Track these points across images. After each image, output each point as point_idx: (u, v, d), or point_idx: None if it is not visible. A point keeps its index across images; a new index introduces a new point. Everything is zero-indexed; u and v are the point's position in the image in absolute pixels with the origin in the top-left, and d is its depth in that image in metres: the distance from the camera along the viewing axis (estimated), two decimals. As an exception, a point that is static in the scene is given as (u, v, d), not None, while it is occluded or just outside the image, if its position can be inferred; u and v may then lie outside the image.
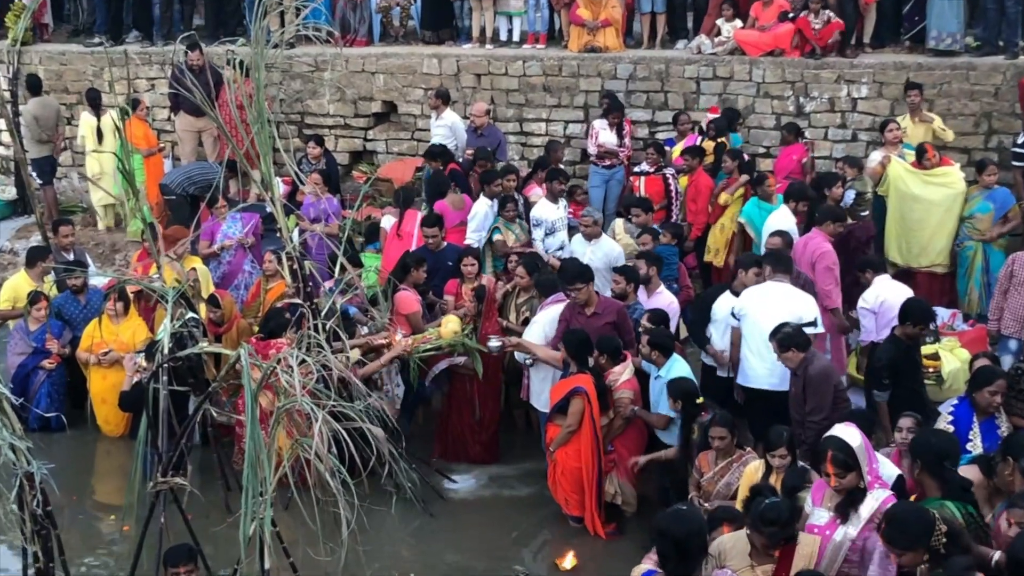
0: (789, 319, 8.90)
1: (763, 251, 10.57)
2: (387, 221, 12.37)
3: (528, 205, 12.46)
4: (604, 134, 13.67)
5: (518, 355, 9.89)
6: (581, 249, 11.15)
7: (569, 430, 8.94)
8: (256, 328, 10.20)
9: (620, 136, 13.73)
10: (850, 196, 11.98)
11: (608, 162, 13.69)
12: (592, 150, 13.77)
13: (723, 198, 12.42)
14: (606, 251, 11.09)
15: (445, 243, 11.35)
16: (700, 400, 8.56)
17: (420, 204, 12.98)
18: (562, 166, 13.69)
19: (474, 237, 11.96)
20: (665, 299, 10.17)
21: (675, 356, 9.07)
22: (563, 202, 12.18)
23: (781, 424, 7.86)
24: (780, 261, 9.56)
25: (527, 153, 15.07)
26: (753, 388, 9.33)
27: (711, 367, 9.86)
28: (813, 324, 9.15)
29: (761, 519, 6.21)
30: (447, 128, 14.01)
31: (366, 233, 12.23)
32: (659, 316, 9.52)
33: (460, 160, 13.52)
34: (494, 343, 9.71)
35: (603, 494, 9.05)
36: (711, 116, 13.85)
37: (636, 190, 13.07)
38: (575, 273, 9.56)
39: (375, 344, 9.74)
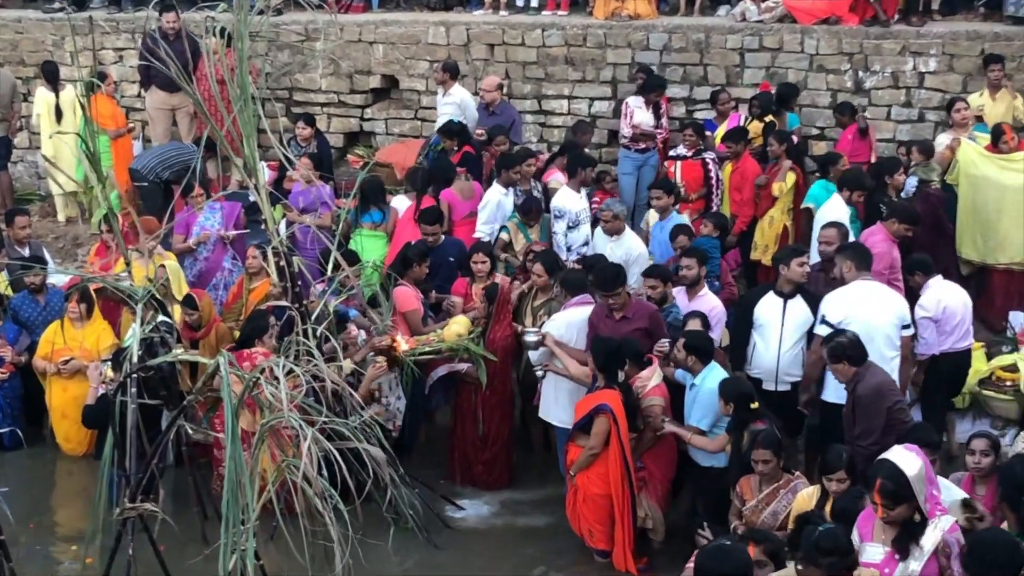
0: (895, 323, 9.06)
1: (816, 245, 10.56)
2: (400, 203, 12.39)
3: (547, 193, 12.45)
4: (640, 113, 13.64)
5: (532, 355, 9.90)
6: (602, 245, 11.18)
7: (591, 453, 8.92)
8: (237, 334, 10.21)
9: (657, 116, 13.73)
10: (912, 184, 11.95)
11: (642, 145, 13.69)
12: (626, 132, 13.73)
13: (776, 188, 12.39)
14: (627, 248, 11.11)
15: (443, 236, 11.43)
16: (755, 405, 8.52)
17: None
18: (586, 150, 13.63)
19: (484, 230, 11.97)
20: (708, 303, 10.16)
21: (713, 363, 9.08)
22: (586, 191, 12.16)
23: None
24: (862, 256, 9.54)
25: (546, 134, 15.03)
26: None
27: (756, 378, 9.83)
28: (909, 326, 9.29)
29: (817, 549, 6.16)
30: (455, 106, 13.97)
31: (363, 194, 11.94)
32: (700, 316, 9.59)
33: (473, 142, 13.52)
34: (531, 337, 9.69)
35: (636, 524, 9.03)
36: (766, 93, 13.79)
37: (671, 176, 13.07)
38: (613, 276, 9.58)
39: (378, 346, 9.75)
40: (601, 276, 9.71)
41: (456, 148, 13.03)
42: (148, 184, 13.62)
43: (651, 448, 9.15)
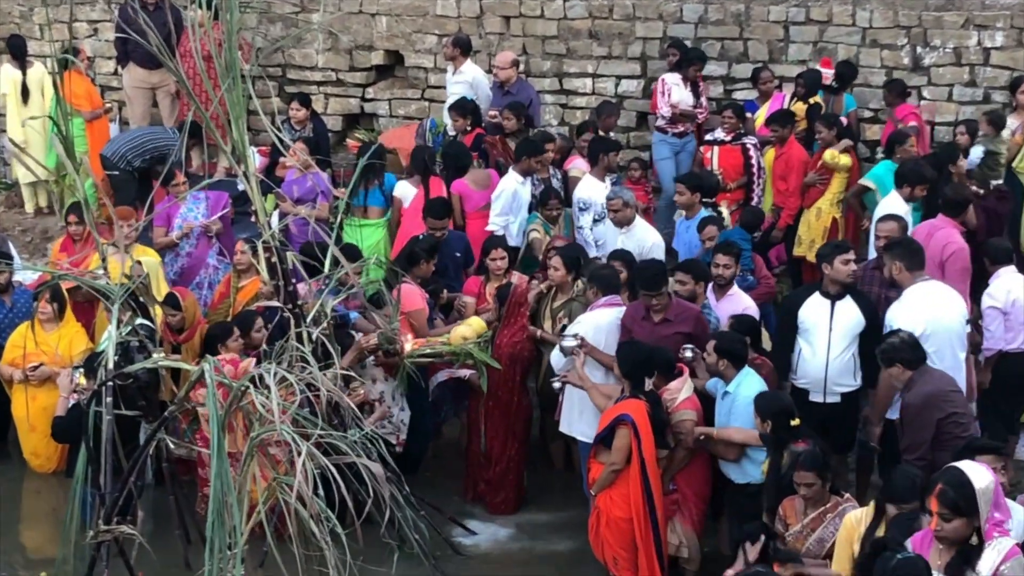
0: (963, 320, 9.15)
1: (873, 239, 10.58)
2: (403, 190, 12.40)
3: (568, 182, 12.48)
4: (678, 91, 13.68)
5: (555, 361, 9.90)
6: (612, 238, 11.23)
7: (613, 469, 8.90)
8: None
9: (697, 94, 13.75)
10: (977, 153, 11.93)
11: (680, 128, 13.71)
12: (665, 112, 13.76)
13: (829, 154, 12.35)
14: (639, 239, 11.13)
15: (448, 230, 11.49)
16: (796, 422, 8.50)
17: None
18: (612, 134, 13.70)
19: (498, 222, 11.99)
20: (740, 302, 10.20)
21: (747, 369, 9.08)
22: (610, 181, 12.17)
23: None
24: (912, 253, 9.55)
25: (568, 116, 15.03)
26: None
27: (802, 389, 9.83)
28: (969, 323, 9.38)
29: None
30: (466, 85, 13.97)
31: (359, 177, 11.75)
32: (746, 324, 9.58)
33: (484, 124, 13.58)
34: (570, 342, 9.63)
35: (665, 552, 9.02)
36: (823, 71, 13.77)
37: (707, 163, 13.06)
38: (656, 273, 9.58)
39: (367, 347, 9.79)
40: (643, 273, 9.73)
41: (468, 128, 13.07)
42: (121, 172, 13.44)
43: (684, 468, 9.16)
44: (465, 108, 13.20)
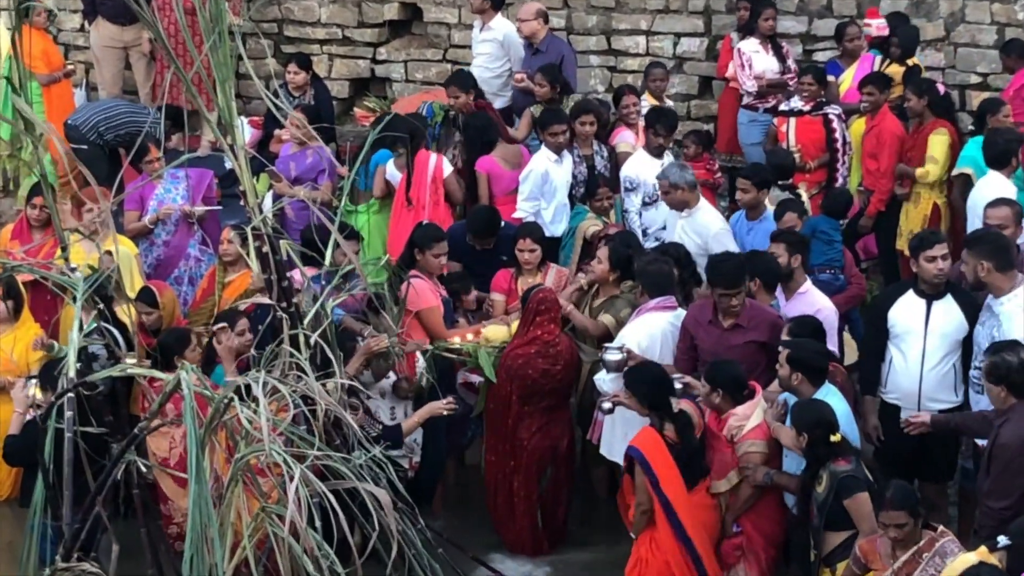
0: None
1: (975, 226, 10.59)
2: (391, 172, 12.50)
3: (615, 159, 12.51)
4: (760, 59, 13.75)
5: (601, 382, 9.88)
6: (672, 223, 11.28)
7: (642, 510, 8.92)
8: (205, 340, 10.29)
9: (782, 57, 13.84)
10: None
11: (772, 102, 13.73)
12: (749, 86, 13.82)
13: (920, 172, 12.25)
14: (699, 227, 11.13)
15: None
16: (837, 437, 8.48)
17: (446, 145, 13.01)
18: (669, 101, 13.72)
19: (527, 208, 12.07)
20: (812, 302, 10.13)
21: (829, 386, 9.03)
22: (670, 156, 12.20)
23: None
24: (1001, 250, 9.47)
25: (617, 80, 15.01)
26: None
27: (893, 404, 9.82)
28: None
29: None
30: (496, 44, 14.02)
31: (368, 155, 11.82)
32: (808, 325, 9.48)
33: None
34: (613, 355, 9.60)
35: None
36: (868, 24, 13.80)
37: (782, 138, 13.08)
38: (735, 268, 9.59)
39: (375, 349, 9.83)
40: (719, 267, 9.73)
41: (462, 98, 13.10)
42: (89, 146, 13.38)
43: (751, 508, 9.09)
44: (467, 82, 13.17)
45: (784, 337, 9.36)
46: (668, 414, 8.95)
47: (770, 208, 11.49)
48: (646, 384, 9.04)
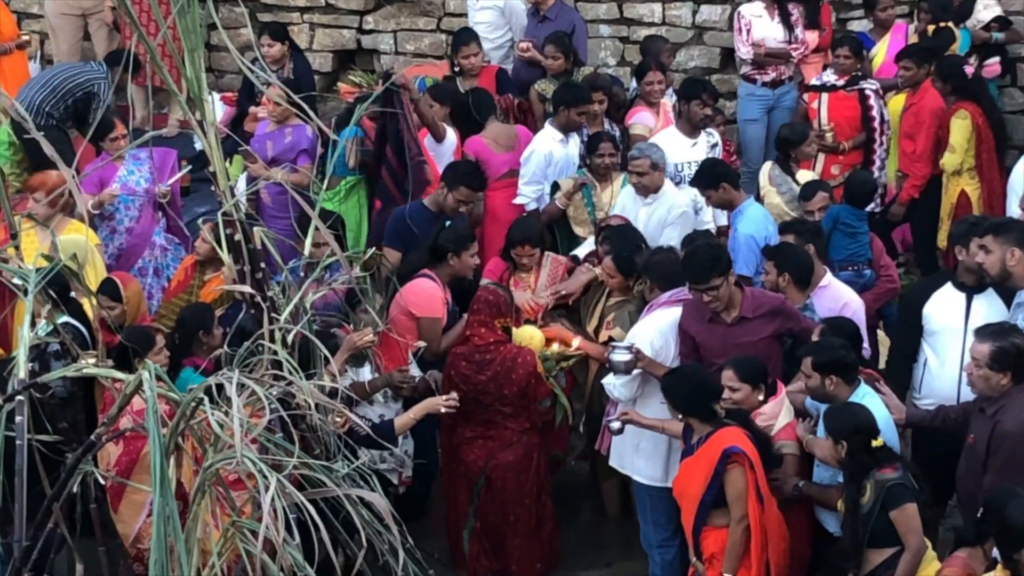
0: None
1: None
2: None
3: (627, 141, 12.46)
4: (762, 24, 13.72)
5: (611, 387, 9.74)
6: (632, 209, 11.25)
7: (745, 525, 8.60)
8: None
9: (789, 25, 13.71)
10: None
11: (771, 75, 13.73)
12: (743, 53, 13.83)
13: (948, 162, 12.25)
14: (668, 207, 11.21)
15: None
16: (879, 442, 8.38)
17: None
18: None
19: (528, 193, 12.07)
20: (837, 296, 10.10)
21: (864, 385, 8.93)
22: (706, 137, 12.20)
23: None
24: None
25: (630, 52, 15.07)
26: None
27: (929, 409, 9.65)
28: None
29: None
30: (496, 11, 14.14)
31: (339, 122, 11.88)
32: (843, 329, 9.34)
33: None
34: (621, 356, 9.46)
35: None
36: None
37: (813, 115, 13.07)
38: (705, 261, 9.44)
39: (360, 345, 9.79)
40: (687, 257, 9.71)
41: (472, 61, 13.18)
42: (43, 131, 13.03)
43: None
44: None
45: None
46: (710, 417, 8.75)
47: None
48: (680, 396, 8.84)
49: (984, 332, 8.63)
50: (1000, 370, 8.45)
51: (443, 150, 12.42)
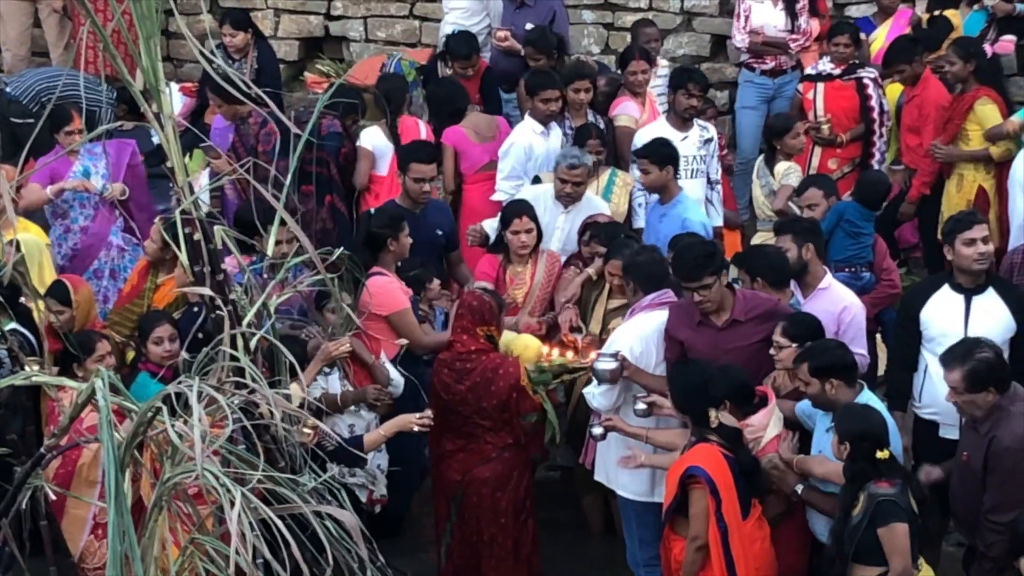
0: None
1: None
2: (374, 138, 12.46)
3: (613, 132, 12.46)
4: (762, 10, 13.71)
5: (592, 396, 9.71)
6: (552, 219, 11.22)
7: (697, 545, 8.66)
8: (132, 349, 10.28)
9: (792, 12, 13.68)
10: None
11: (770, 63, 13.73)
12: (740, 40, 13.85)
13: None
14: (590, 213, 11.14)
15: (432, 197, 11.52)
16: (885, 453, 8.32)
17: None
18: (664, 63, 13.69)
19: (506, 188, 12.06)
20: (836, 298, 10.04)
21: (865, 388, 8.92)
22: (699, 131, 12.12)
23: None
24: None
25: (615, 39, 15.09)
26: None
27: (929, 421, 9.77)
28: None
29: None
30: (473, -2, 14.17)
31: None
32: (806, 326, 9.24)
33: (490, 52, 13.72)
34: (606, 364, 9.42)
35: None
36: None
37: (808, 106, 13.06)
38: (697, 257, 9.39)
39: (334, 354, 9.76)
40: (677, 255, 9.66)
41: (470, 72, 13.17)
42: (33, 120, 12.97)
43: (775, 529, 8.96)
44: (457, 49, 13.20)
45: (778, 339, 9.15)
46: (703, 424, 8.74)
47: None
48: (683, 389, 8.84)
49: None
50: (981, 389, 8.44)
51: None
